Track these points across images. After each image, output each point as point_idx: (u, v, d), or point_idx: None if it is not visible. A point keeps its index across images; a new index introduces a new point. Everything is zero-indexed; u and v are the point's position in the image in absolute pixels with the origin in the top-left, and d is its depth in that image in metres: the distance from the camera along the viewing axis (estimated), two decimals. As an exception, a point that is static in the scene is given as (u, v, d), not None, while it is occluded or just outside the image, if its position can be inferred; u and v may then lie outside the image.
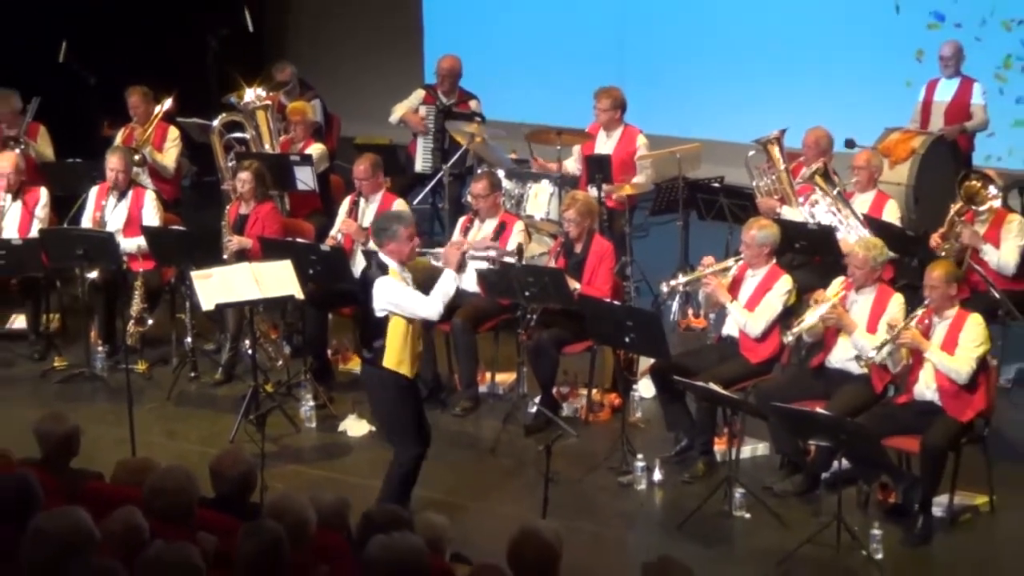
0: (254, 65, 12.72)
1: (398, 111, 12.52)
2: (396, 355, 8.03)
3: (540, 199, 11.14)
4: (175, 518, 6.04)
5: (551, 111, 12.61)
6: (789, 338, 8.88)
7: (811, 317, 8.75)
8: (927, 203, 11.02)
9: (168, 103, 11.61)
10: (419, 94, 12.53)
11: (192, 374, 10.39)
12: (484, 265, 9.72)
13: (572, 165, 11.40)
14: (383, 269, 8.03)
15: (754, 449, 9.17)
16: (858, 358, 8.63)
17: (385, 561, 5.26)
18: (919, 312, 8.53)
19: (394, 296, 7.96)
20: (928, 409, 8.44)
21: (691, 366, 9.06)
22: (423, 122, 12.39)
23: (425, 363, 9.92)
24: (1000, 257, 9.73)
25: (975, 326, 8.41)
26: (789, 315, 9.04)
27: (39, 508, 5.57)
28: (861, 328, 8.68)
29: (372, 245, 8.84)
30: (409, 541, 5.41)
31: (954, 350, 8.36)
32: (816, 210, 10.24)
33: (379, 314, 8.01)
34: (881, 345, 8.47)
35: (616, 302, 9.58)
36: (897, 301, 8.78)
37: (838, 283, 8.96)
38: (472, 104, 12.45)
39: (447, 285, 8.09)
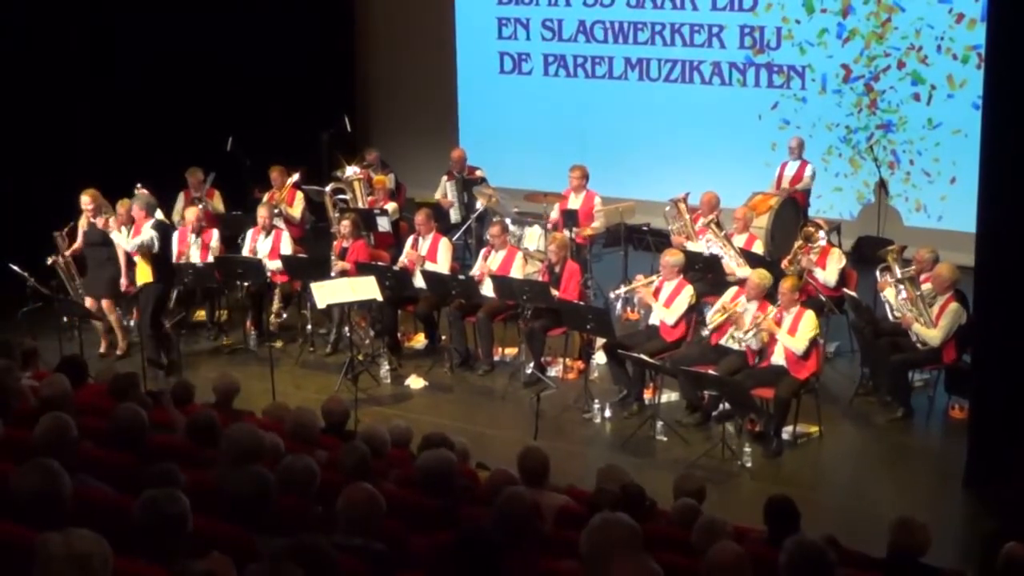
0: (351, 152, 12.68)
1: (437, 194, 12.45)
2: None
3: (533, 237, 11.12)
4: (306, 440, 6.07)
5: (540, 178, 12.53)
6: (705, 332, 8.85)
7: (712, 313, 8.79)
8: (780, 240, 10.98)
9: (296, 176, 11.56)
10: (444, 178, 12.45)
11: (311, 348, 10.35)
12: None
13: (553, 216, 11.38)
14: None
15: (669, 396, 9.14)
16: (740, 340, 8.62)
17: (431, 467, 5.27)
18: (774, 309, 8.56)
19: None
20: (780, 371, 8.45)
21: (629, 343, 9.06)
22: (448, 201, 12.30)
23: (459, 341, 9.98)
24: (825, 276, 9.70)
25: (809, 319, 8.43)
26: (692, 310, 9.04)
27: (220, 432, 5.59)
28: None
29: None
30: (445, 454, 5.44)
31: (795, 334, 8.38)
32: (709, 245, 10.23)
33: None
34: (749, 329, 8.50)
35: (581, 303, 9.55)
36: (773, 311, 8.56)
37: (731, 291, 8.96)
38: (478, 172, 12.41)
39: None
